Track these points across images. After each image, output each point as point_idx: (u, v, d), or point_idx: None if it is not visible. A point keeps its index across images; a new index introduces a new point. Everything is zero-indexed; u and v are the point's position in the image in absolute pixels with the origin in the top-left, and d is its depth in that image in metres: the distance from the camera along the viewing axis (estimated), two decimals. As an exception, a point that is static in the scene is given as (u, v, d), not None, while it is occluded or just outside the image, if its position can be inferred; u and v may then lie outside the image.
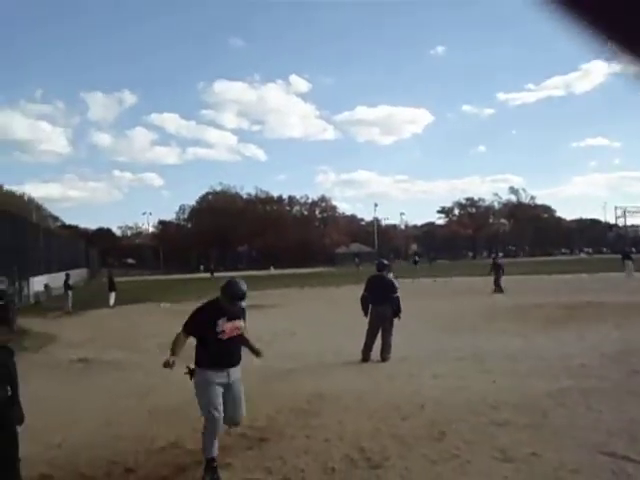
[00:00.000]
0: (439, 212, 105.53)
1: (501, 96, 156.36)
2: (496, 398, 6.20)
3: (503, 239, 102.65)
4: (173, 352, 4.36)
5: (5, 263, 17.67)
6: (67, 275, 21.77)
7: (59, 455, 4.92)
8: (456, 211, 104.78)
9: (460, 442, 4.81)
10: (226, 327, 4.36)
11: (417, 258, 59.79)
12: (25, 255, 23.54)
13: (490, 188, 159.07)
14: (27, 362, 10.23)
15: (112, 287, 21.97)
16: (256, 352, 4.92)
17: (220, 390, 4.39)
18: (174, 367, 4.27)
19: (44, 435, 5.32)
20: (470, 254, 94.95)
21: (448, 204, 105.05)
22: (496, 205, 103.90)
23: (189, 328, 4.46)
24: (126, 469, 4.57)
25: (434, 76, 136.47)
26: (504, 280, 21.99)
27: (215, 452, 4.32)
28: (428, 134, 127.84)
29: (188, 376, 4.49)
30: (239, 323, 4.50)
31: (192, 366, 4.46)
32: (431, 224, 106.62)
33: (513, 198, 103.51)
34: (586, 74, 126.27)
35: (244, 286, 4.41)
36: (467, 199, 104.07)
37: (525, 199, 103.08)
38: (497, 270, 22.12)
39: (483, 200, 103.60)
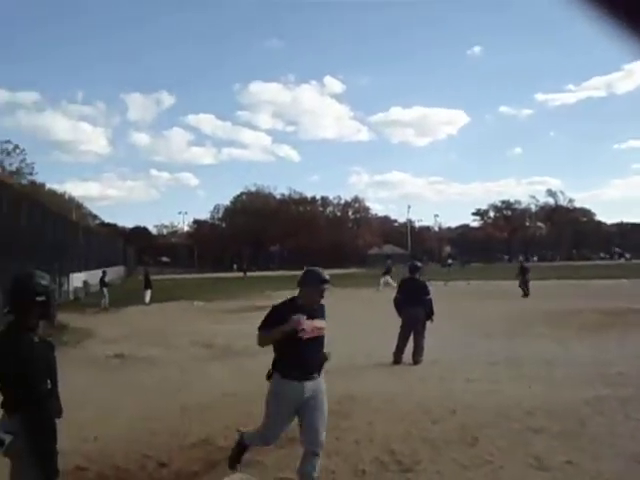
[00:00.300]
0: (474, 214, 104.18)
1: (540, 97, 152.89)
2: (531, 404, 6.09)
3: (540, 243, 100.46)
4: (274, 333, 3.93)
5: (46, 259, 18.17)
6: (104, 272, 22.28)
7: (95, 448, 5.04)
8: (491, 214, 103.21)
9: (493, 448, 4.74)
10: (306, 325, 3.86)
11: (450, 261, 58.99)
12: (65, 252, 24.18)
13: (526, 191, 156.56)
14: (65, 356, 10.52)
15: (148, 285, 22.39)
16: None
17: (291, 413, 3.96)
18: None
19: (81, 429, 5.46)
20: (505, 257, 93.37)
21: (483, 206, 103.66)
22: (533, 208, 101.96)
23: (266, 327, 4.02)
24: (159, 463, 4.65)
25: (471, 77, 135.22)
26: (530, 285, 21.78)
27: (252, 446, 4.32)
28: (464, 135, 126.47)
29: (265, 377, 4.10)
30: (320, 323, 4.00)
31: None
32: (465, 226, 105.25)
33: (551, 201, 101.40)
34: (629, 74, 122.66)
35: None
36: (503, 202, 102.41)
37: (563, 202, 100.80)
38: (524, 273, 22.03)
39: (519, 203, 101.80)
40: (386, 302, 21.10)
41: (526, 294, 21.23)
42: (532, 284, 21.97)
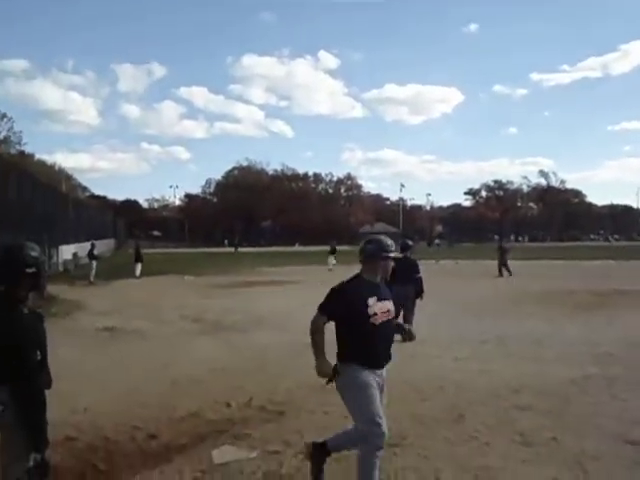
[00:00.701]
0: (466, 194, 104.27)
1: (535, 76, 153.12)
2: (519, 382, 6.15)
3: (531, 223, 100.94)
4: (321, 352, 3.52)
5: (35, 231, 18.02)
6: (92, 245, 22.13)
7: (84, 419, 5.05)
8: (483, 193, 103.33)
9: (480, 425, 4.79)
10: (377, 309, 3.44)
11: (437, 240, 59.03)
12: (55, 224, 23.99)
13: (519, 171, 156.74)
14: (54, 328, 10.48)
15: (139, 258, 22.34)
16: (409, 334, 4.17)
17: (378, 393, 3.44)
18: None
19: (70, 400, 5.45)
20: (496, 237, 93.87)
21: (475, 186, 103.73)
22: (525, 188, 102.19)
23: (329, 309, 3.52)
24: (149, 435, 4.67)
25: (466, 55, 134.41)
26: (510, 264, 22.29)
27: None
28: (458, 114, 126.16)
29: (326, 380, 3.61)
30: (389, 305, 3.58)
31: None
32: (457, 206, 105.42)
33: (543, 182, 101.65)
34: (625, 55, 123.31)
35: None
36: (495, 181, 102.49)
37: (555, 183, 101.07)
38: (502, 254, 22.51)
39: (511, 183, 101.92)
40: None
41: (506, 273, 21.63)
42: (522, 264, 22.18)
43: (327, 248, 28.50)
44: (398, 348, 8.18)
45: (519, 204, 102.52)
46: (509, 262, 22.39)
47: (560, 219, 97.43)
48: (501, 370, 6.79)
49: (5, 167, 15.85)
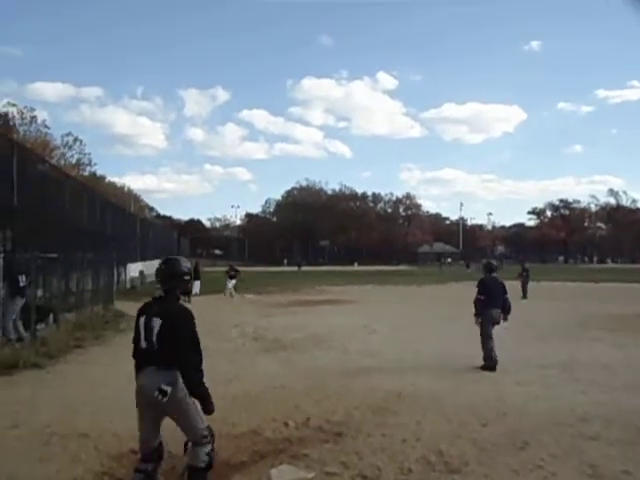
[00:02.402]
0: (529, 213, 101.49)
1: (601, 93, 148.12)
2: (585, 410, 5.88)
3: (600, 244, 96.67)
4: None
5: (106, 249, 18.85)
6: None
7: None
8: (548, 213, 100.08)
9: (544, 453, 4.61)
10: None
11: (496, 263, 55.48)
12: (123, 243, 25.02)
13: (586, 190, 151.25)
14: (121, 343, 10.89)
15: (197, 276, 22.94)
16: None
17: None
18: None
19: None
20: (560, 258, 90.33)
21: (539, 205, 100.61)
22: (593, 208, 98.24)
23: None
24: (209, 451, 4.75)
25: (528, 72, 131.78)
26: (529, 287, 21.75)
27: None
28: (520, 132, 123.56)
29: None
30: None
31: None
32: (520, 225, 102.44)
33: (612, 201, 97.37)
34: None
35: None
36: (561, 200, 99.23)
37: (626, 202, 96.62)
38: (523, 274, 21.95)
39: (578, 202, 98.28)
40: (435, 300, 20.84)
41: (524, 296, 21.01)
42: (590, 286, 21.26)
43: (385, 268, 28.17)
44: (457, 372, 8.04)
45: (586, 224, 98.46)
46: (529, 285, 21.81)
47: (631, 240, 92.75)
48: (566, 397, 6.52)
49: (79, 188, 16.72)
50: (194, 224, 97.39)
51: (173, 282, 3.67)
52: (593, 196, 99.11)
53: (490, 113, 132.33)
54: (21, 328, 10.03)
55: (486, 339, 8.53)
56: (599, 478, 4.13)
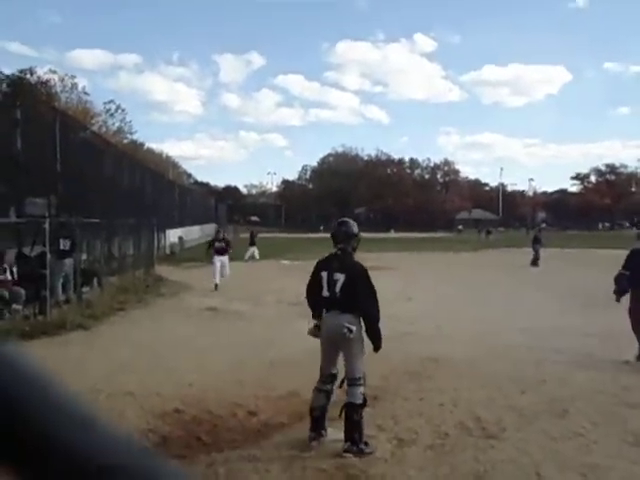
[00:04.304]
0: (573, 178, 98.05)
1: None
2: (628, 379, 5.78)
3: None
4: None
5: (145, 215, 19.21)
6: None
7: (190, 393, 5.37)
8: (592, 178, 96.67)
9: (585, 421, 4.56)
10: None
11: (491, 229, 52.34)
12: (162, 209, 25.44)
13: (633, 154, 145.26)
14: (163, 307, 11.21)
15: (253, 242, 23.62)
16: None
17: None
18: None
19: (179, 375, 5.84)
20: (606, 225, 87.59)
21: (584, 170, 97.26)
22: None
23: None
24: (249, 412, 4.89)
25: (574, 31, 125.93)
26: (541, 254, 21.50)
27: None
28: (564, 95, 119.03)
29: None
30: None
31: None
32: (563, 191, 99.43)
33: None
34: None
35: None
36: (607, 165, 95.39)
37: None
38: (536, 242, 21.67)
39: (625, 167, 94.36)
40: (472, 268, 20.59)
41: (534, 263, 20.80)
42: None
43: (422, 235, 27.95)
44: (495, 338, 7.97)
45: (633, 189, 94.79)
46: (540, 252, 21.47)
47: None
48: (608, 365, 6.41)
49: (119, 155, 16.99)
50: (231, 191, 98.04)
51: (347, 241, 4.44)
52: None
53: (533, 75, 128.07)
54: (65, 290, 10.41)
55: (634, 321, 6.95)
56: (642, 447, 4.07)
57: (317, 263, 4.58)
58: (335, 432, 4.23)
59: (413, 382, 5.76)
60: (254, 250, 23.42)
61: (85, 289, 11.20)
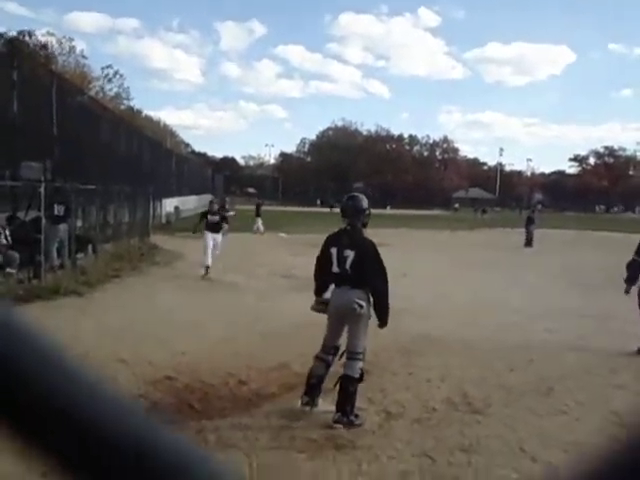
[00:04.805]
0: (571, 160, 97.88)
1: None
2: (617, 361, 5.86)
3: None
4: None
5: (142, 183, 19.12)
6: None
7: (183, 362, 5.43)
8: (591, 160, 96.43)
9: (570, 400, 4.64)
10: None
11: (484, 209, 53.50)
12: (159, 178, 25.31)
13: (632, 137, 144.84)
14: (157, 275, 11.23)
15: (258, 213, 23.87)
16: None
17: None
18: None
19: (171, 343, 5.89)
20: (601, 207, 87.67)
21: (582, 152, 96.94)
22: (639, 156, 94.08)
23: None
24: (240, 381, 4.95)
25: (579, 11, 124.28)
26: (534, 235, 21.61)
27: None
28: (567, 75, 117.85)
29: None
30: None
31: None
32: (561, 173, 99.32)
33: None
34: None
35: None
36: (605, 147, 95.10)
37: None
38: (529, 223, 21.79)
39: (624, 149, 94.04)
40: (465, 248, 20.64)
41: (528, 244, 21.08)
42: (634, 237, 20.67)
43: (419, 212, 27.99)
44: (488, 318, 8.04)
45: (631, 173, 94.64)
46: (535, 233, 21.64)
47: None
48: (598, 347, 6.48)
49: (116, 122, 16.82)
50: (228, 162, 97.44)
51: (356, 216, 4.42)
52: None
53: (536, 54, 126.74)
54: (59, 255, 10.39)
55: None
56: (624, 427, 4.14)
57: (326, 239, 4.57)
58: (325, 404, 4.29)
59: (403, 357, 5.82)
60: (260, 222, 23.50)
61: (80, 255, 11.20)
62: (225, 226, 11.85)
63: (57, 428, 0.29)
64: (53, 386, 0.30)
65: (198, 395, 4.63)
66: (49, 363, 0.31)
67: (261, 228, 23.11)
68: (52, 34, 45.85)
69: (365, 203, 4.52)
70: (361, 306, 4.19)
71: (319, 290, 4.62)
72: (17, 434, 0.29)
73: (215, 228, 11.61)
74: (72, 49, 46.68)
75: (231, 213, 16.71)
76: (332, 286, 4.50)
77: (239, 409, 4.38)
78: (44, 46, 41.95)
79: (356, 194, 4.71)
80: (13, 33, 34.60)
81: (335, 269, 4.35)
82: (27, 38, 39.59)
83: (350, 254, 4.27)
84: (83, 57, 47.76)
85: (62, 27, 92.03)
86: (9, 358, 0.29)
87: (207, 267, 11.11)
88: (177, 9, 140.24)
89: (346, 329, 4.38)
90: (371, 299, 4.30)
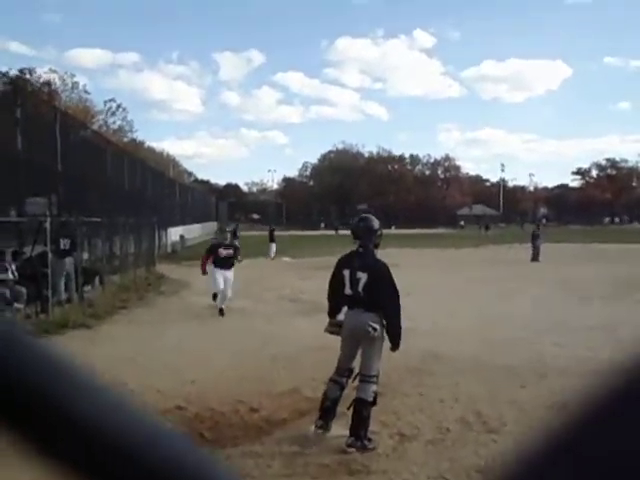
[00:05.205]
0: (574, 173, 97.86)
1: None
2: (629, 374, 5.78)
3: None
4: None
5: (146, 214, 19.24)
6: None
7: (193, 391, 5.40)
8: (593, 173, 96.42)
9: (585, 415, 4.57)
10: None
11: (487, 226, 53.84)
12: (163, 207, 25.47)
13: (632, 149, 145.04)
14: (164, 305, 11.23)
15: (272, 239, 23.94)
16: None
17: None
18: None
19: (180, 372, 5.87)
20: (607, 219, 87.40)
21: (583, 165, 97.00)
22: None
23: None
24: (251, 408, 4.91)
25: (574, 25, 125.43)
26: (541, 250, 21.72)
27: None
28: (564, 90, 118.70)
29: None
30: None
31: None
32: (564, 186, 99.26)
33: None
34: None
35: None
36: (607, 160, 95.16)
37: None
38: (535, 239, 21.99)
39: (626, 161, 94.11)
40: (472, 264, 20.59)
41: (534, 258, 21.15)
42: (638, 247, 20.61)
43: (423, 231, 28.03)
44: (494, 333, 7.99)
45: (634, 184, 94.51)
46: (541, 247, 21.76)
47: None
48: (611, 359, 6.41)
49: (119, 154, 17.01)
50: (231, 188, 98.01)
51: (368, 237, 4.39)
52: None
53: (532, 70, 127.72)
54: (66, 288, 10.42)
55: None
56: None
57: (338, 260, 4.57)
58: (338, 428, 4.25)
59: (414, 378, 5.78)
60: (274, 247, 23.65)
61: (87, 288, 11.24)
62: (239, 258, 10.33)
63: (63, 435, 0.29)
64: (58, 392, 0.30)
65: (209, 424, 4.59)
66: (53, 369, 0.31)
67: (272, 254, 23.24)
68: (54, 71, 46.64)
69: (377, 224, 4.50)
70: (375, 329, 4.17)
71: (332, 312, 4.59)
72: (22, 440, 0.30)
73: (227, 264, 9.92)
74: (75, 85, 47.43)
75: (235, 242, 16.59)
76: (345, 308, 4.47)
77: (250, 437, 4.33)
78: (47, 83, 42.61)
79: (367, 215, 4.69)
80: (15, 72, 35.16)
81: (348, 291, 4.33)
82: (28, 76, 40.24)
83: (363, 276, 4.23)
84: (86, 92, 48.50)
85: (63, 64, 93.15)
86: (14, 365, 0.30)
87: (221, 309, 9.77)
88: (176, 42, 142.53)
89: (360, 351, 4.34)
90: (384, 322, 4.27)
